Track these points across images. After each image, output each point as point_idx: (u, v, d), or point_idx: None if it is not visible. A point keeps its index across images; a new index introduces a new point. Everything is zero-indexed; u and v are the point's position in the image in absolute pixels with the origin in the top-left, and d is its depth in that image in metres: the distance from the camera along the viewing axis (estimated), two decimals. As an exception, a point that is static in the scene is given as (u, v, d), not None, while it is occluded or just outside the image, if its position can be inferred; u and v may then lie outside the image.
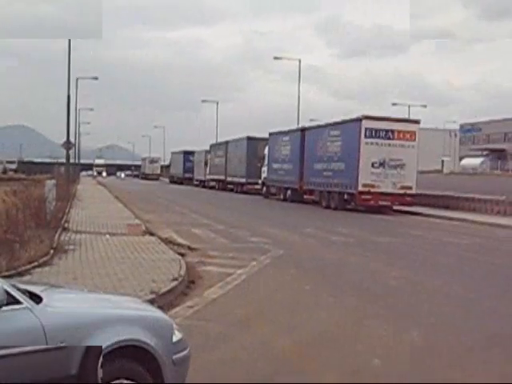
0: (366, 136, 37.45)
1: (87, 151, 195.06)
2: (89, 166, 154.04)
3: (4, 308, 4.65)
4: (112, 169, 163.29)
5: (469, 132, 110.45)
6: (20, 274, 12.09)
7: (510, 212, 35.52)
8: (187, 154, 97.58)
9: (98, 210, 32.14)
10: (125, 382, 5.24)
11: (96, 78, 71.36)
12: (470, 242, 23.72)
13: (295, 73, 64.75)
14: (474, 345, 9.25)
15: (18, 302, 4.80)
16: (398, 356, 8.60)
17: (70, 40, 42.03)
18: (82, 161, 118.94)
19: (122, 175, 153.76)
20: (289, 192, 48.75)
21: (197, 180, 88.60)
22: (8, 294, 4.73)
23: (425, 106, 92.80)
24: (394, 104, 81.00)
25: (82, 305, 5.70)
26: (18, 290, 4.98)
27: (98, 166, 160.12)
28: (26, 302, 4.86)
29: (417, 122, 39.88)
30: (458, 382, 7.60)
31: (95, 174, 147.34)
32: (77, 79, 65.08)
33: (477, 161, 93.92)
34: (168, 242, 19.45)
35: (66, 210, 28.46)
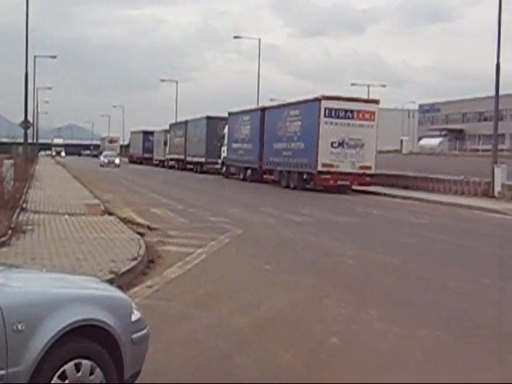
0: (325, 116, 37.59)
1: (46, 131, 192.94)
2: (47, 146, 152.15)
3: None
4: (71, 148, 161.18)
5: (428, 112, 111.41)
6: (-23, 255, 11.98)
7: (468, 191, 35.98)
8: (146, 133, 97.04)
9: (56, 190, 31.86)
10: (83, 361, 5.22)
11: (54, 57, 70.64)
12: (428, 221, 23.97)
13: (253, 52, 65.45)
14: (429, 321, 9.38)
15: (-28, 282, 4.76)
16: (356, 334, 8.69)
17: (27, 16, 41.72)
18: (40, 140, 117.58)
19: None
20: (248, 172, 48.80)
21: (156, 160, 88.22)
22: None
23: (384, 86, 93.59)
24: (353, 84, 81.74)
25: (40, 285, 5.65)
26: (-26, 270, 4.94)
27: (56, 145, 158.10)
28: (-18, 282, 4.82)
29: (376, 101, 40.05)
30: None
31: (54, 153, 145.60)
32: (34, 57, 64.46)
33: (435, 141, 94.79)
34: (127, 221, 19.38)
35: (24, 190, 28.18)
